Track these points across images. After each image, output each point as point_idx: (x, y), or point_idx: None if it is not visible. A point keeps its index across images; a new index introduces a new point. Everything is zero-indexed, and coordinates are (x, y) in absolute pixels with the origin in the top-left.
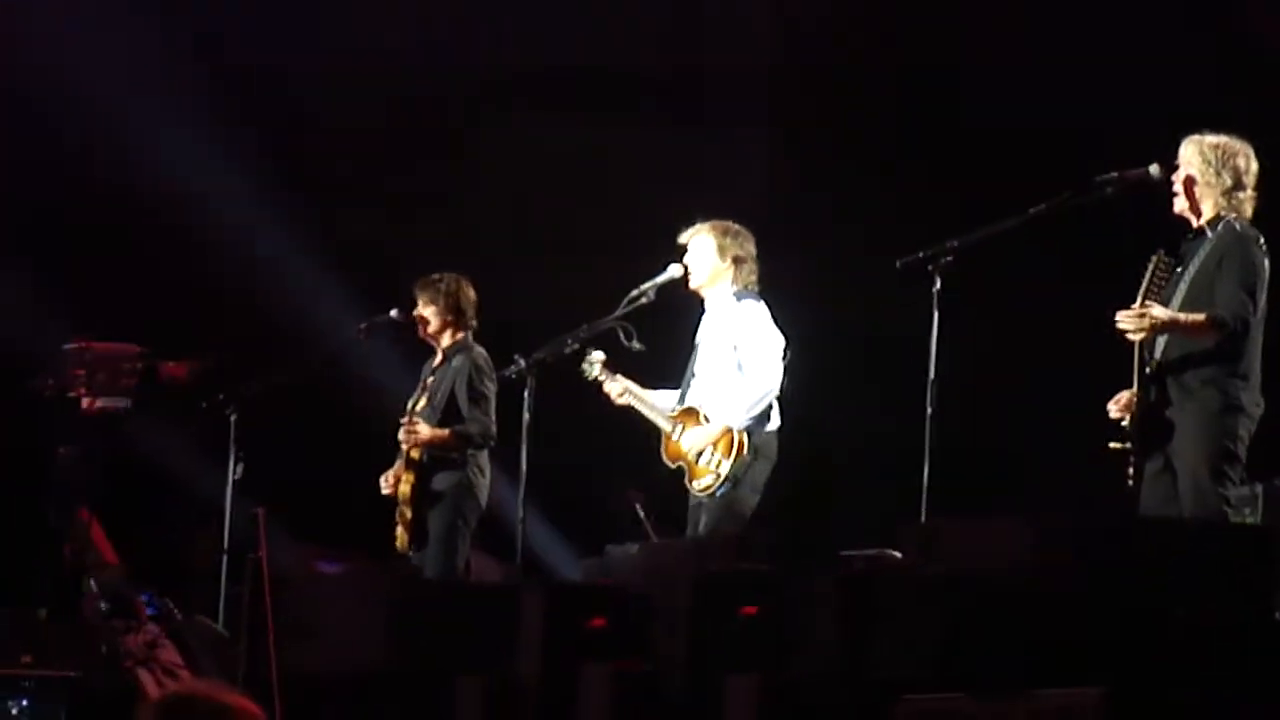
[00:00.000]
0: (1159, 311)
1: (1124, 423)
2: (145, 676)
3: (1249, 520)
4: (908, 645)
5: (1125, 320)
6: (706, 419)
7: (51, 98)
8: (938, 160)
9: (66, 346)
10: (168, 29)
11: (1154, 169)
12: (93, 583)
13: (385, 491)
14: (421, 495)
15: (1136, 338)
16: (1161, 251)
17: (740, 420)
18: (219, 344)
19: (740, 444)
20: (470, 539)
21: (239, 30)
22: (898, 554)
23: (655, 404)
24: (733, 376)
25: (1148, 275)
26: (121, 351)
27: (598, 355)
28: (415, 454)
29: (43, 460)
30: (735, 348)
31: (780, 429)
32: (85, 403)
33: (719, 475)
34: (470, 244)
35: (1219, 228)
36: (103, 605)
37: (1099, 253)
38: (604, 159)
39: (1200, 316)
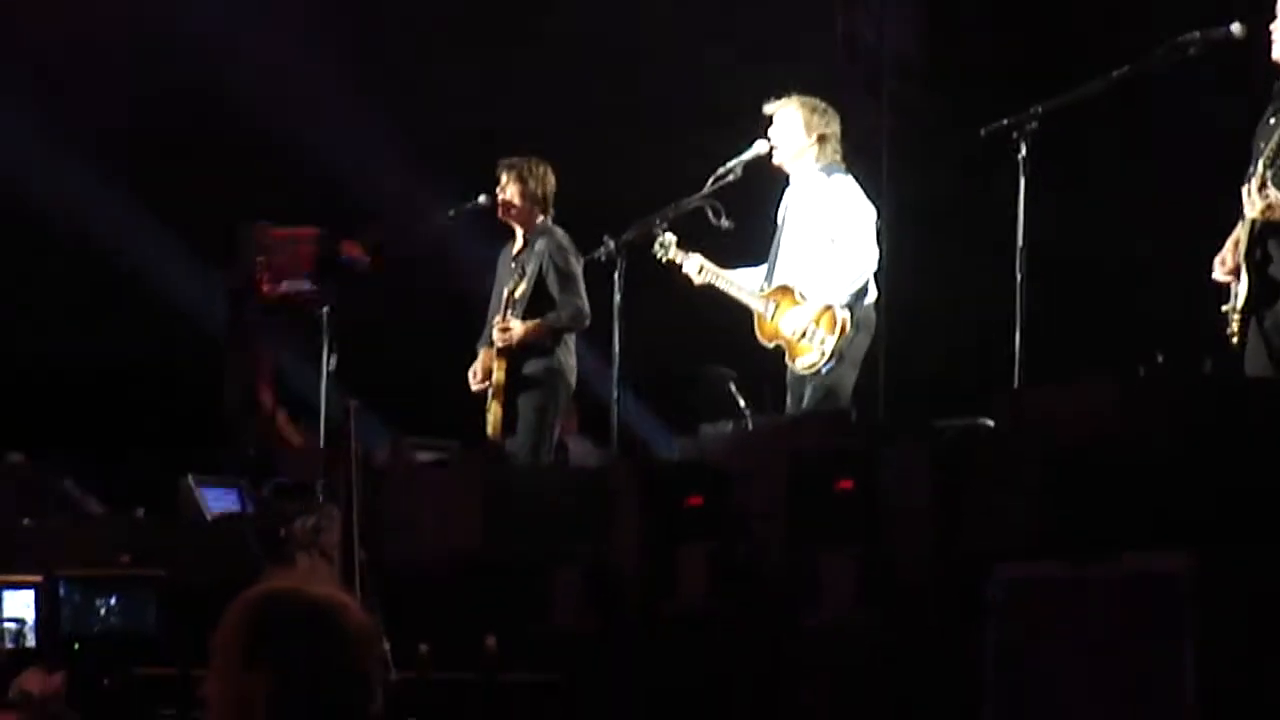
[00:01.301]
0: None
1: (1232, 284)
2: (303, 560)
3: None
4: (1000, 514)
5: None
6: (803, 296)
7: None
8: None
9: (244, 234)
10: None
11: (1236, 27)
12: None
13: (475, 387)
14: (512, 382)
15: (1252, 215)
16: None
17: (841, 297)
18: (376, 219)
19: (844, 321)
20: (561, 421)
21: None
22: (990, 422)
23: (739, 282)
24: (825, 252)
25: (1270, 137)
26: (300, 234)
27: (669, 237)
28: (502, 343)
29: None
30: (828, 223)
31: (879, 300)
32: (266, 288)
33: (824, 353)
34: (556, 122)
35: None
36: (275, 483)
37: (1189, 114)
38: (687, 33)
39: None
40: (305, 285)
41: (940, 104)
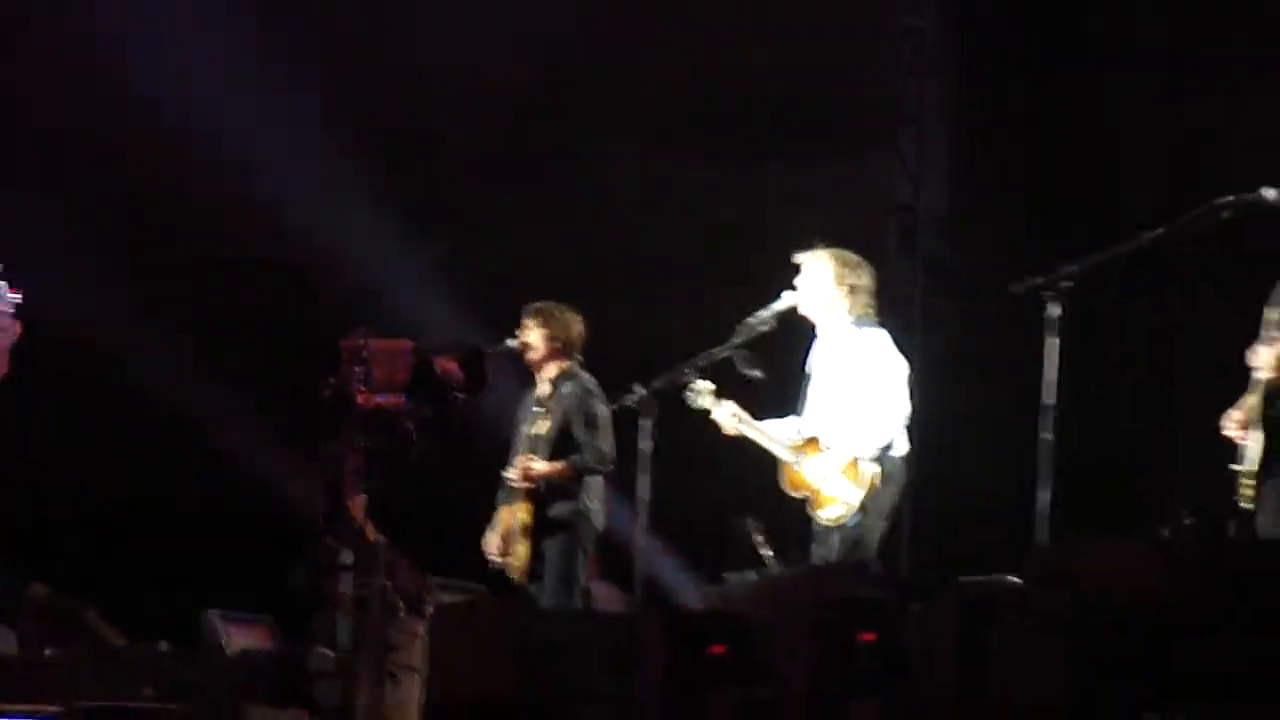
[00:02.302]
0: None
1: (1242, 441)
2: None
3: None
4: (1028, 672)
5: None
6: (828, 446)
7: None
8: (1060, 182)
9: (344, 341)
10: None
11: (1271, 193)
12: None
13: (493, 559)
14: (538, 525)
15: (1261, 378)
16: None
17: (869, 450)
18: (474, 336)
19: (873, 475)
20: (588, 567)
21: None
22: (1017, 580)
23: (769, 432)
24: (854, 404)
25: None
26: (397, 346)
27: (704, 385)
28: (528, 485)
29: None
30: (858, 375)
31: (909, 454)
32: (362, 399)
33: (849, 505)
34: (587, 273)
35: None
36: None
37: (1215, 272)
38: (726, 187)
39: None
40: (401, 398)
41: (973, 260)
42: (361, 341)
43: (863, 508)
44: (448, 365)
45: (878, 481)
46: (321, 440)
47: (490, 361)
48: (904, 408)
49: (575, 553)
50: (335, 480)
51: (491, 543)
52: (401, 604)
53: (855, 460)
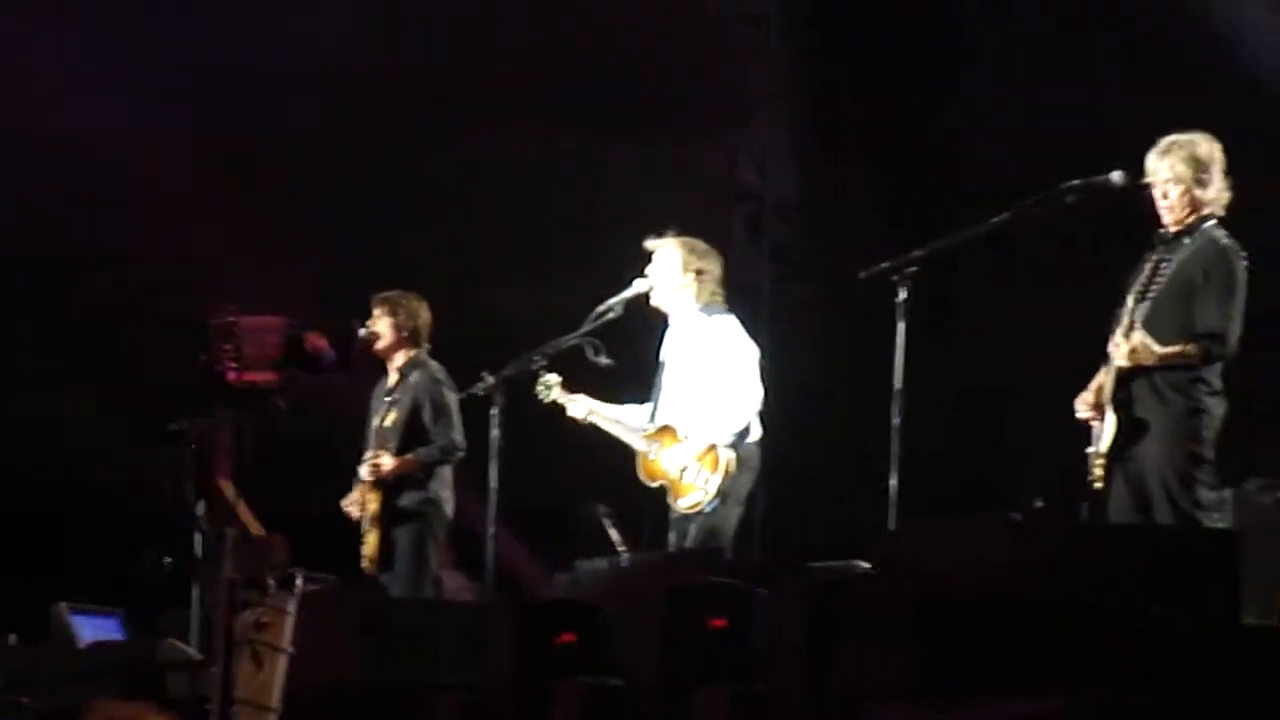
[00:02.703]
0: (1144, 350)
1: (1095, 424)
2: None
3: (1220, 525)
4: (874, 656)
5: (1116, 350)
6: (685, 435)
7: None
8: (906, 169)
9: (213, 321)
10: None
11: (1116, 176)
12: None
13: (354, 515)
14: (387, 514)
15: (1120, 364)
16: (1159, 250)
17: (725, 436)
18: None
19: (728, 461)
20: (439, 556)
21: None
22: (865, 564)
23: (623, 421)
24: (707, 392)
25: (1141, 276)
26: (267, 323)
27: (553, 378)
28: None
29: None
30: (709, 363)
31: (762, 439)
32: (232, 376)
33: (707, 492)
34: (434, 260)
35: (1198, 234)
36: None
37: (1068, 254)
38: (568, 172)
39: (1183, 349)
40: (271, 376)
41: (821, 247)
42: (231, 319)
43: (721, 495)
44: (318, 342)
45: (734, 468)
46: (188, 419)
47: (359, 339)
48: (757, 393)
49: (425, 541)
50: (204, 459)
51: (351, 506)
52: (272, 581)
53: (712, 447)
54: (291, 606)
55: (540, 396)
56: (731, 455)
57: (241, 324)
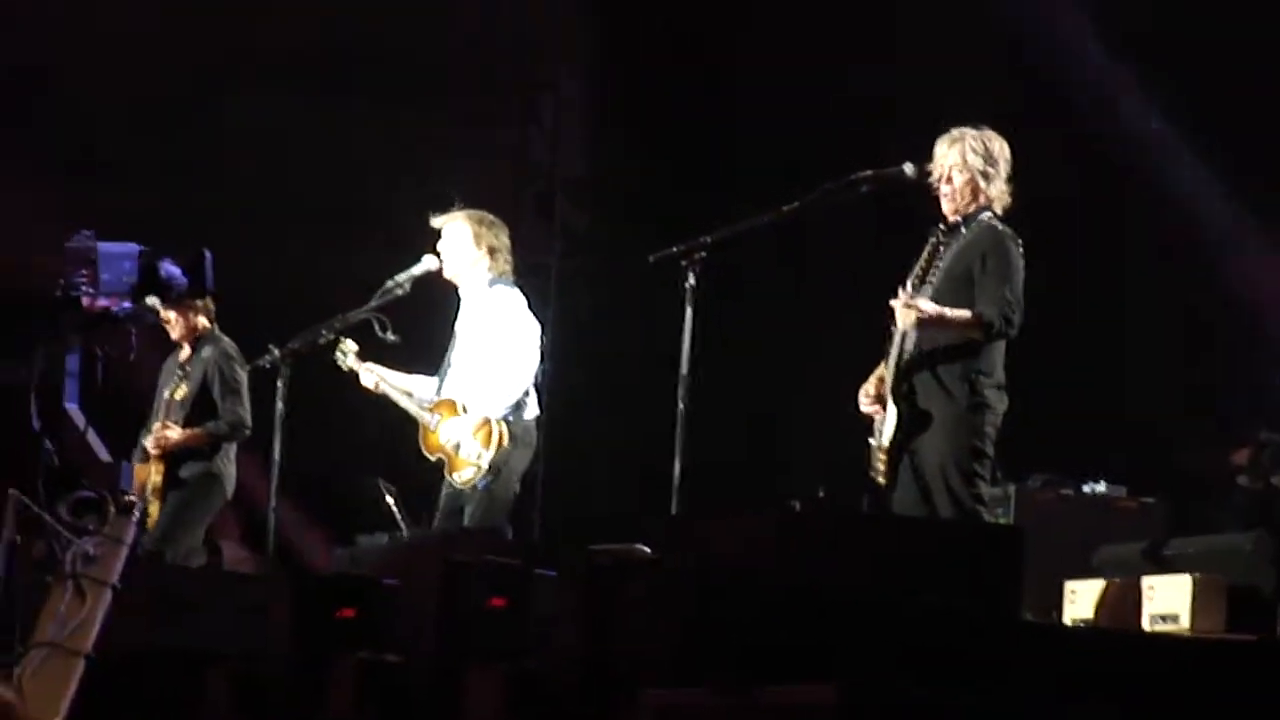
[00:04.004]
0: (926, 305)
1: (875, 416)
2: (56, 589)
3: (1000, 520)
4: (650, 639)
5: (896, 308)
6: (464, 409)
7: None
8: (698, 152)
9: (70, 244)
10: None
11: (908, 167)
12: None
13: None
14: (169, 485)
15: (905, 325)
16: (939, 234)
17: (497, 410)
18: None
19: (500, 434)
20: (211, 527)
21: None
22: (645, 548)
23: (413, 392)
24: (484, 365)
25: (920, 261)
26: (124, 251)
27: (350, 346)
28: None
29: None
30: (489, 335)
31: (539, 417)
32: (86, 301)
33: (480, 467)
34: (220, 228)
35: (975, 223)
36: (77, 497)
37: (853, 243)
38: (355, 143)
39: (966, 313)
40: (126, 302)
41: (611, 228)
42: (89, 244)
43: (493, 470)
44: (171, 269)
45: (506, 442)
46: (36, 344)
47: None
48: (531, 367)
49: (194, 507)
50: (52, 385)
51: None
52: (112, 506)
53: (487, 421)
54: (129, 537)
55: (339, 363)
56: (504, 429)
57: (99, 249)
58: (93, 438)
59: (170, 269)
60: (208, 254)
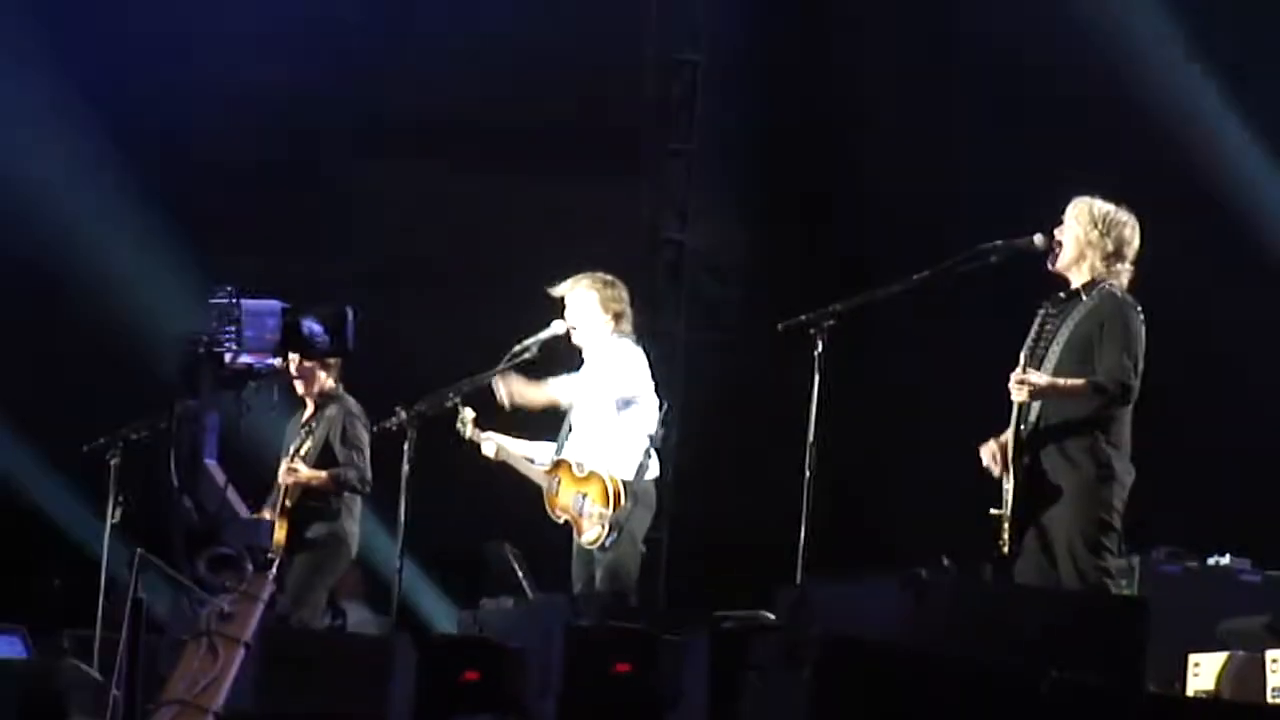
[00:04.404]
0: (1036, 377)
1: (1002, 481)
2: (190, 646)
3: (1125, 591)
4: (777, 707)
5: (1010, 385)
6: (580, 469)
7: None
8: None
9: (212, 301)
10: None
11: (1038, 238)
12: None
13: None
14: (293, 543)
15: (1018, 400)
16: (1048, 307)
17: (616, 468)
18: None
19: (618, 492)
20: (338, 588)
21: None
22: (771, 616)
23: (534, 458)
24: (607, 424)
25: (1033, 332)
26: (267, 307)
27: (469, 415)
28: (290, 502)
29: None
30: (606, 395)
31: (659, 479)
32: (229, 357)
33: (604, 526)
34: (348, 290)
35: (1096, 292)
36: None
37: (982, 316)
38: (484, 208)
39: (1079, 381)
40: (269, 360)
41: (739, 296)
42: (232, 300)
43: (616, 528)
44: (314, 326)
45: (624, 500)
46: (176, 400)
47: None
48: (651, 427)
49: (324, 570)
50: (193, 441)
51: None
52: (250, 564)
53: (605, 479)
54: (265, 594)
55: (459, 432)
56: (621, 487)
57: (242, 305)
58: (232, 494)
59: (313, 326)
60: (350, 312)
